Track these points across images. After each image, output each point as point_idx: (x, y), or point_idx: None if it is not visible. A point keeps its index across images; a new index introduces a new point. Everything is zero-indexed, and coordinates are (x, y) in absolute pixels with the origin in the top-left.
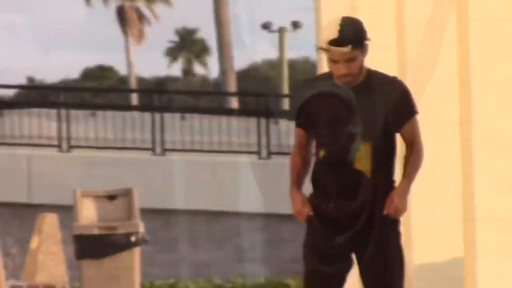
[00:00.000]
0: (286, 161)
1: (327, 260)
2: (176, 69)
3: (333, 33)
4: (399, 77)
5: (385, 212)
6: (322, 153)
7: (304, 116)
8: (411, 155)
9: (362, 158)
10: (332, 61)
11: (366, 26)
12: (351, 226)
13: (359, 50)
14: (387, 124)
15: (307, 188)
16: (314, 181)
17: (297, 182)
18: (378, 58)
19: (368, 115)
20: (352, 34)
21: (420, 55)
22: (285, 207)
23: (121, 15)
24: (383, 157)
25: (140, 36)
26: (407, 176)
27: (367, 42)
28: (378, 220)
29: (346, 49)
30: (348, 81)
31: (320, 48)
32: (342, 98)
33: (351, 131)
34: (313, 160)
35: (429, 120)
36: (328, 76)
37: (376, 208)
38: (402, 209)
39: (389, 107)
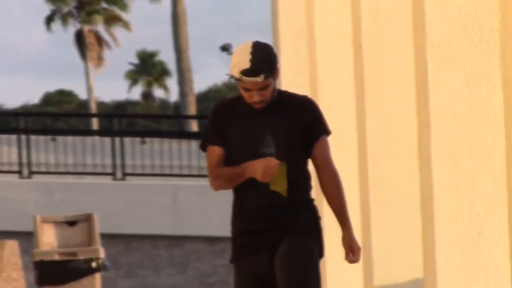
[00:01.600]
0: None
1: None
2: (136, 93)
3: (245, 63)
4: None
5: (347, 260)
6: None
7: (222, 136)
8: (328, 182)
9: (278, 179)
10: (245, 89)
11: (322, 44)
12: (267, 242)
13: (271, 78)
14: (300, 142)
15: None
16: (235, 204)
17: (234, 168)
18: (335, 68)
19: (281, 135)
20: (263, 63)
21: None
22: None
23: (80, 39)
24: (299, 176)
25: (100, 60)
26: (342, 213)
27: (278, 66)
28: (294, 234)
29: (259, 79)
30: (261, 106)
31: (231, 77)
32: (259, 119)
33: (265, 153)
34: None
35: (386, 141)
36: (237, 97)
37: (293, 224)
38: (357, 249)
39: (301, 125)
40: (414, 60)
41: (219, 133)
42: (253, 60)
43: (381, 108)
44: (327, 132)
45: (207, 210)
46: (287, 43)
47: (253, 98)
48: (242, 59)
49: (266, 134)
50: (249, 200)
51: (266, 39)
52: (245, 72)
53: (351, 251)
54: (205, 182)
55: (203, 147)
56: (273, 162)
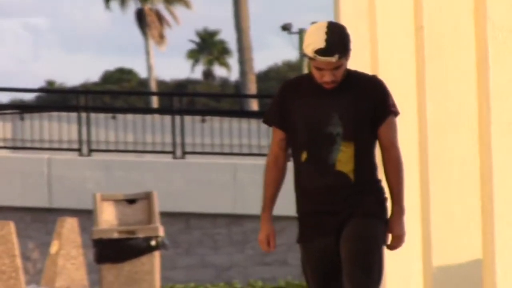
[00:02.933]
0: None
1: (326, 275)
2: (196, 72)
3: (320, 43)
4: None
5: (388, 247)
6: (304, 155)
7: (284, 119)
8: (388, 164)
9: (345, 159)
10: (318, 68)
11: (383, 25)
12: (334, 225)
13: (344, 58)
14: (368, 122)
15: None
16: (298, 185)
17: (270, 203)
18: (398, 55)
19: (349, 115)
20: (338, 44)
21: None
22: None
23: (141, 18)
24: (366, 157)
25: (161, 39)
26: (396, 198)
27: (351, 48)
28: (360, 217)
29: (333, 59)
30: (331, 87)
31: (305, 55)
32: (328, 98)
33: (332, 132)
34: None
35: (447, 120)
36: (306, 76)
37: (359, 207)
38: (402, 237)
39: (369, 105)
40: (475, 41)
41: (283, 113)
42: (328, 40)
43: (442, 89)
44: (395, 113)
45: None
46: (348, 24)
47: (325, 77)
48: (316, 38)
49: (334, 113)
50: (314, 180)
51: (327, 19)
52: (319, 52)
53: (398, 239)
54: (265, 161)
55: (266, 122)
56: (264, 246)
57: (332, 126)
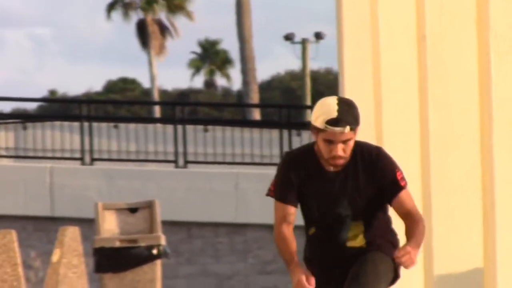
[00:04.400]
0: None
1: None
2: (198, 82)
3: (332, 113)
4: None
5: (396, 255)
6: (312, 230)
7: (295, 194)
8: (411, 225)
9: (355, 236)
10: (327, 141)
11: (386, 36)
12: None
13: (354, 132)
14: (377, 201)
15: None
16: (307, 256)
17: (293, 256)
18: (400, 67)
19: (356, 201)
20: (350, 115)
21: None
22: None
23: (142, 28)
24: (378, 228)
25: (162, 49)
26: (414, 238)
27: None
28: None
29: (346, 130)
30: (340, 163)
31: (314, 127)
32: (333, 184)
33: (341, 214)
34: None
35: (448, 130)
36: (308, 151)
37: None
38: (413, 257)
39: (377, 187)
40: (478, 51)
41: (291, 190)
42: (339, 111)
43: (444, 99)
44: (403, 188)
45: (269, 198)
46: (350, 33)
47: (334, 151)
48: (328, 110)
49: (342, 198)
50: (326, 254)
51: (330, 29)
52: (331, 122)
53: (404, 255)
54: (267, 170)
55: (271, 196)
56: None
57: (342, 209)
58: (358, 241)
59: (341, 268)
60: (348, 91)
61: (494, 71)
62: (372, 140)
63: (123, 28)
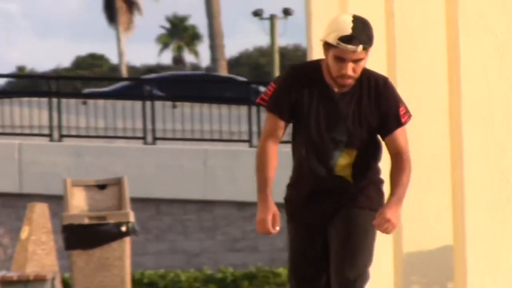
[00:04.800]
0: (282, 149)
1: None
2: (166, 58)
3: (346, 30)
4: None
5: (374, 223)
6: (303, 151)
7: (290, 109)
8: (397, 167)
9: (344, 165)
10: (337, 59)
11: (356, 11)
12: (326, 211)
13: (366, 52)
14: (374, 133)
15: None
16: (294, 174)
17: (269, 184)
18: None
19: (355, 127)
20: (365, 34)
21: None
22: (278, 195)
23: (110, 4)
24: (367, 163)
25: (129, 25)
26: (397, 192)
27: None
28: (353, 208)
29: (359, 48)
30: (348, 83)
31: (325, 43)
32: (336, 105)
33: (335, 139)
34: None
35: (417, 107)
36: (315, 67)
37: (354, 199)
38: (394, 222)
39: (378, 118)
40: (446, 28)
41: (287, 105)
42: (354, 28)
43: (413, 75)
44: (401, 125)
45: (237, 175)
46: (319, 10)
47: (344, 70)
48: (342, 26)
49: (341, 122)
50: (313, 178)
51: (298, 5)
52: (344, 39)
53: (384, 224)
54: (236, 147)
55: (263, 105)
56: (266, 227)
57: (337, 134)
58: (346, 172)
59: (325, 200)
60: None
61: (463, 47)
62: None
63: (91, 3)
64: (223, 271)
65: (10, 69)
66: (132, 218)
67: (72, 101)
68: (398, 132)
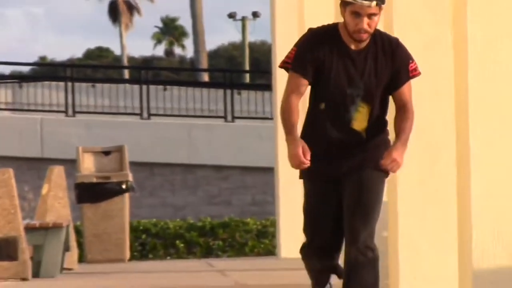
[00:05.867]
0: (247, 123)
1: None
2: (159, 51)
3: None
4: None
5: (382, 163)
6: (322, 105)
7: (313, 67)
8: (402, 117)
9: (360, 119)
10: (354, 13)
11: (311, 14)
12: (340, 169)
13: (380, 8)
14: (386, 86)
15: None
16: (310, 129)
17: (295, 128)
18: None
19: (371, 82)
20: None
21: None
22: (246, 160)
23: (114, 7)
24: (379, 116)
25: (129, 25)
26: (402, 137)
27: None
28: (367, 168)
29: (373, 3)
30: (363, 37)
31: (342, 2)
32: (354, 62)
33: (352, 94)
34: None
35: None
36: (333, 29)
37: (366, 159)
38: (399, 162)
39: (391, 73)
40: (384, 27)
41: (310, 64)
42: None
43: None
44: (411, 77)
45: (215, 144)
46: (280, 11)
47: (360, 25)
48: None
49: (358, 78)
50: (328, 132)
51: (265, 9)
52: None
53: (392, 160)
54: (213, 122)
55: (285, 68)
56: (298, 159)
57: (354, 89)
58: (362, 126)
59: (341, 155)
60: (279, 59)
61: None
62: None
63: (99, 7)
64: (203, 221)
65: (34, 58)
66: (130, 178)
67: (83, 84)
68: (406, 86)
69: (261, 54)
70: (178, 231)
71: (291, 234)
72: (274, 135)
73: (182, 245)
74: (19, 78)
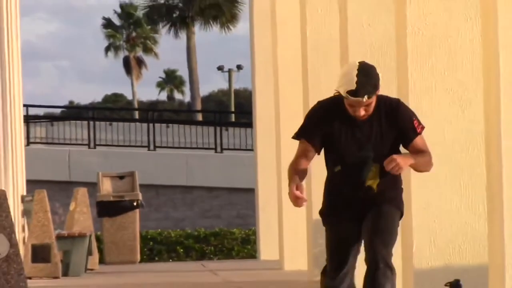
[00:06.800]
0: (233, 154)
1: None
2: (163, 96)
3: (351, 85)
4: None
5: (384, 163)
6: (338, 168)
7: (321, 136)
8: (423, 154)
9: (372, 177)
10: (349, 105)
11: (284, 68)
12: (357, 213)
13: (373, 97)
14: (395, 145)
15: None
16: (330, 186)
17: (295, 177)
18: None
19: (378, 145)
20: (368, 85)
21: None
22: (233, 183)
23: (127, 62)
24: (388, 173)
25: (139, 75)
26: (416, 155)
27: (380, 84)
28: (385, 203)
29: (364, 99)
30: (364, 118)
31: (337, 93)
32: (361, 129)
33: (363, 156)
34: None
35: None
36: (338, 101)
37: (384, 199)
38: (399, 163)
39: (396, 133)
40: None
41: (317, 134)
42: (358, 82)
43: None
44: (418, 134)
45: (208, 170)
46: (259, 66)
47: (357, 113)
48: (348, 80)
49: (367, 143)
50: (347, 190)
51: (247, 62)
52: (350, 93)
53: (391, 163)
54: (207, 152)
55: (302, 137)
56: (292, 196)
57: (365, 151)
58: (374, 181)
59: (358, 201)
60: (258, 103)
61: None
62: (271, 139)
63: (115, 61)
64: (198, 231)
65: (64, 102)
66: (140, 197)
67: (103, 123)
68: (417, 140)
69: (244, 99)
70: (179, 239)
71: (268, 241)
72: (255, 163)
73: (181, 250)
74: (51, 118)
